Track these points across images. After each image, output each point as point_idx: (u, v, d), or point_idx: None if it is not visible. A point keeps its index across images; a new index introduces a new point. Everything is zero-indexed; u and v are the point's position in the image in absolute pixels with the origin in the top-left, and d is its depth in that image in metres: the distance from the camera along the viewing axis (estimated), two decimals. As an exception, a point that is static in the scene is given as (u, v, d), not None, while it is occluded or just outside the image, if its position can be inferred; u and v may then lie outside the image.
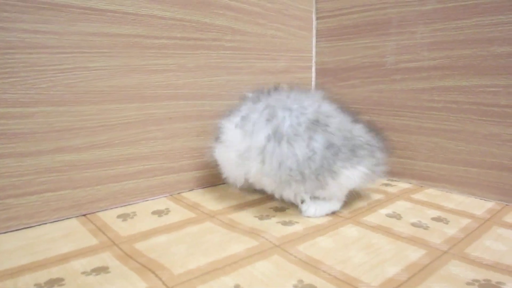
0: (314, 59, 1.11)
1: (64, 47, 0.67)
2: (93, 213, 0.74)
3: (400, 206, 0.79)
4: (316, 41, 1.09)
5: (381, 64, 0.97)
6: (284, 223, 0.70)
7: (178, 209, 0.76)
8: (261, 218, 0.72)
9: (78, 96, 0.69)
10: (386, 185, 0.94)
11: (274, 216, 0.73)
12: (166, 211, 0.75)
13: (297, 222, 0.70)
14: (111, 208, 0.76)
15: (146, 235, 0.64)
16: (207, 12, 0.85)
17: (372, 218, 0.72)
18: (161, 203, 0.80)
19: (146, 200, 0.81)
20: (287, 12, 1.02)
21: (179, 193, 0.86)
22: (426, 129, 0.91)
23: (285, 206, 0.78)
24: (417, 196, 0.86)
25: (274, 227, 0.68)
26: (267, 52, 0.98)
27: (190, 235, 0.64)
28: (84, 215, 0.73)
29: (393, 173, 0.98)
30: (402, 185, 0.95)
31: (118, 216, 0.72)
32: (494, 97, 0.79)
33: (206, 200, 0.82)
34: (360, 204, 0.80)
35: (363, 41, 1.00)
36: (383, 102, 0.98)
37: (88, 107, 0.71)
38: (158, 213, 0.74)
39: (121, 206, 0.77)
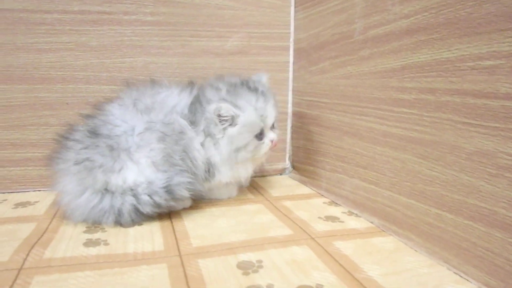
0: (292, 36, 0.83)
1: None
2: (-27, 195, 0.72)
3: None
4: (295, 11, 0.82)
5: (350, 35, 0.65)
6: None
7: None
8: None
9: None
10: (335, 220, 0.63)
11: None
12: (27, 204, 0.67)
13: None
14: (-5, 193, 0.73)
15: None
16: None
17: None
18: (44, 196, 0.72)
19: (36, 191, 0.74)
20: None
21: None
22: (393, 136, 0.56)
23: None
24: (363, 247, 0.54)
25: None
26: (209, 28, 0.78)
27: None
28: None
29: (356, 203, 0.65)
30: (357, 224, 0.61)
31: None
32: (490, 79, 0.42)
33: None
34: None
35: (333, 3, 0.69)
36: (349, 93, 0.66)
37: (-33, 86, 0.68)
38: (22, 204, 0.67)
39: (8, 193, 0.73)
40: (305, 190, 0.79)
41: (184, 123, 0.61)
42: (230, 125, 0.62)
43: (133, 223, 0.58)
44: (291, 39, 0.84)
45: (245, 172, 0.66)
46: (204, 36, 0.78)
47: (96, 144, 0.57)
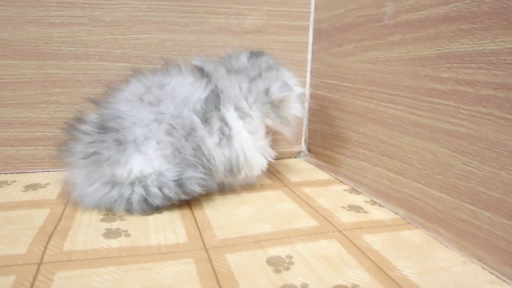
0: (312, 16, 0.79)
1: None
2: (-18, 175, 0.69)
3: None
4: None
5: (379, 18, 0.61)
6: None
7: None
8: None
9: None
10: (359, 210, 0.61)
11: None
12: (38, 186, 0.64)
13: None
14: (4, 173, 0.70)
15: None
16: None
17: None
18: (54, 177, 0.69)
19: (46, 171, 0.71)
20: None
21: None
22: (424, 127, 0.54)
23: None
24: (391, 240, 0.52)
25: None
26: (227, 5, 0.74)
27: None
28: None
29: (379, 192, 0.63)
30: (381, 214, 0.60)
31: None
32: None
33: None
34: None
35: (361, -18, 0.65)
36: (376, 79, 0.63)
37: (-26, 61, 0.64)
38: (32, 187, 0.65)
39: (17, 173, 0.70)
40: (323, 175, 0.77)
41: (197, 120, 0.58)
42: None
43: (145, 212, 0.55)
44: (311, 19, 0.80)
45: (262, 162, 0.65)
46: (222, 13, 0.73)
47: (104, 139, 0.55)
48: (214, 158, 0.59)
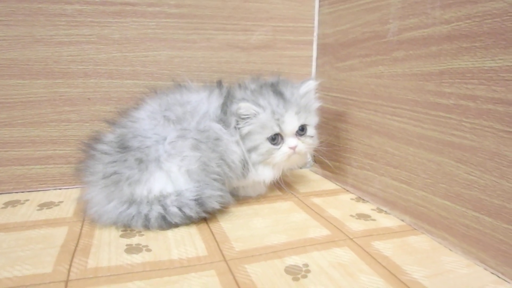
0: (316, 31, 0.82)
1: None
2: (-7, 194, 0.69)
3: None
4: (320, 5, 0.80)
5: (383, 35, 0.64)
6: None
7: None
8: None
9: (-28, 69, 0.64)
10: (367, 218, 0.64)
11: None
12: (52, 204, 0.65)
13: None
14: (15, 192, 0.70)
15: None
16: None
17: None
18: (67, 194, 0.70)
19: (57, 189, 0.72)
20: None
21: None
22: (428, 139, 0.57)
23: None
24: (398, 245, 0.55)
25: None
26: (235, 21, 0.76)
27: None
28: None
29: (385, 200, 0.66)
30: (388, 222, 0.62)
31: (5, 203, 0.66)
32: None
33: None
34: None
35: (364, 0, 0.68)
36: (381, 93, 0.66)
37: (-16, 81, 0.65)
38: (46, 205, 0.65)
39: (28, 192, 0.71)
40: (330, 185, 0.79)
41: (218, 127, 0.60)
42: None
43: (162, 228, 0.57)
44: (315, 34, 0.82)
45: (264, 175, 0.65)
46: (229, 29, 0.76)
47: (125, 158, 0.56)
48: (234, 161, 0.61)
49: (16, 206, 0.65)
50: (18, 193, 0.70)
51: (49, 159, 0.71)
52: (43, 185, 0.71)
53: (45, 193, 0.70)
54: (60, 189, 0.72)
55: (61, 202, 0.67)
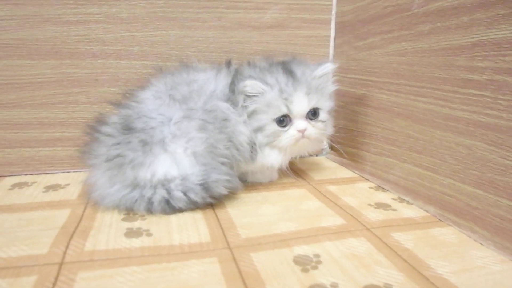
0: (334, 9, 0.77)
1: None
2: (2, 176, 0.68)
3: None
4: None
5: (406, 8, 0.59)
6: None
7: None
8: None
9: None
10: (387, 208, 0.59)
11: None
12: (58, 187, 0.64)
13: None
14: (24, 174, 0.69)
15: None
16: None
17: None
18: (74, 178, 0.68)
19: (65, 172, 0.71)
20: None
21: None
22: (457, 120, 0.51)
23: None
24: (420, 238, 0.50)
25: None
26: (247, -1, 0.72)
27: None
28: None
29: (407, 189, 0.61)
30: (410, 212, 0.57)
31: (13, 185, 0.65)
32: None
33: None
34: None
35: (387, -30, 0.63)
36: (404, 72, 0.60)
37: (-8, 62, 0.63)
38: (52, 187, 0.64)
39: (36, 174, 0.69)
40: (347, 173, 0.74)
41: (226, 106, 0.57)
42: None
43: (166, 212, 0.54)
44: (333, 12, 0.77)
45: (271, 159, 0.61)
46: (241, 7, 0.72)
47: (129, 140, 0.54)
48: (242, 143, 0.57)
49: (23, 187, 0.64)
50: (27, 175, 0.69)
51: (57, 142, 0.69)
52: (52, 168, 0.70)
53: (53, 176, 0.69)
54: (68, 172, 0.71)
55: (67, 184, 0.65)
